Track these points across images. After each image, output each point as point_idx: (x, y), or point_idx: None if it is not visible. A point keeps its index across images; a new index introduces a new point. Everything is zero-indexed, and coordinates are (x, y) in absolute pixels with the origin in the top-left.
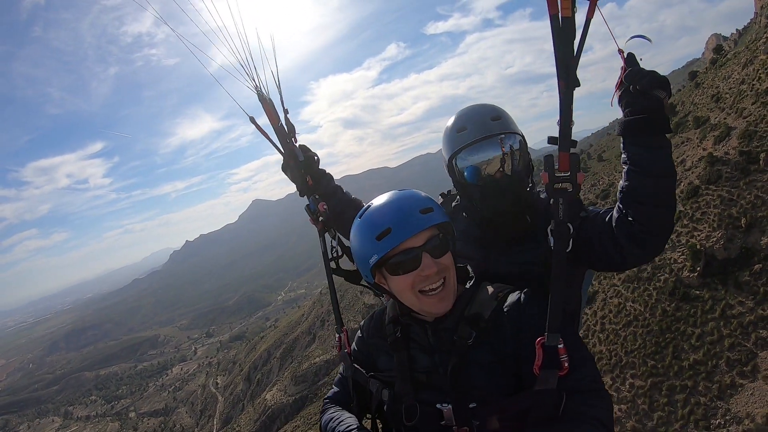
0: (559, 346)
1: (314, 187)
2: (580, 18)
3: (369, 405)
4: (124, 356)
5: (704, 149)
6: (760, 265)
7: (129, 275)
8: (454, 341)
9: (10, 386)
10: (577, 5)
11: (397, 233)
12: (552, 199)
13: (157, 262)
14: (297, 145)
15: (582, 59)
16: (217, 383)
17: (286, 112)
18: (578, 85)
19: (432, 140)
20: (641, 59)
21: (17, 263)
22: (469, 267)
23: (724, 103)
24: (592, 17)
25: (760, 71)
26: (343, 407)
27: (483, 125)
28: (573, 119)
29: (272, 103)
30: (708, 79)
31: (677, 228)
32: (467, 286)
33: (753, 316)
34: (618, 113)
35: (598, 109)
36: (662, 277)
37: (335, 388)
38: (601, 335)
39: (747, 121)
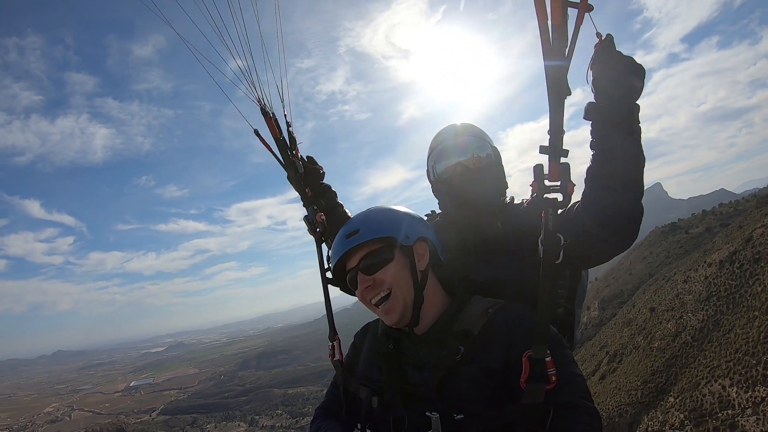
0: (547, 359)
1: (313, 198)
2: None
3: (359, 413)
4: (311, 380)
5: None
6: None
7: (319, 311)
8: (442, 356)
9: (202, 391)
10: (568, 14)
11: (333, 258)
12: (543, 211)
13: (347, 301)
14: (299, 157)
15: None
16: None
17: (288, 125)
18: (569, 94)
19: None
20: None
21: (216, 289)
22: (456, 281)
23: None
24: (581, 24)
25: None
26: (333, 416)
27: (454, 132)
28: (564, 128)
29: (275, 117)
30: None
31: None
32: (455, 299)
33: None
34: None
35: None
36: None
37: (327, 398)
38: None
39: None
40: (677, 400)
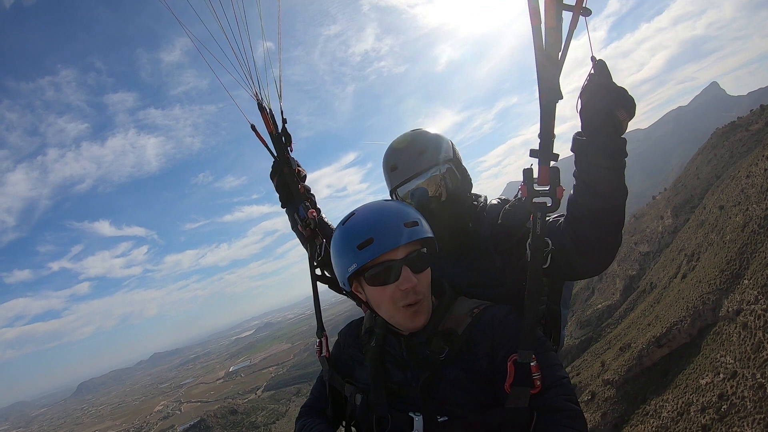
0: (532, 363)
1: (305, 195)
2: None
3: (345, 411)
4: None
5: None
6: None
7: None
8: (426, 356)
9: (299, 363)
10: (563, 17)
11: (379, 244)
12: (532, 215)
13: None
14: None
15: None
16: None
17: (284, 121)
18: (561, 98)
19: (680, 92)
20: None
21: (291, 266)
22: (444, 282)
23: None
24: (575, 27)
25: None
26: (319, 413)
27: (412, 162)
28: (555, 133)
29: (272, 113)
30: None
31: None
32: (442, 299)
33: None
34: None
35: None
36: None
37: (312, 395)
38: None
39: None
40: (750, 281)
